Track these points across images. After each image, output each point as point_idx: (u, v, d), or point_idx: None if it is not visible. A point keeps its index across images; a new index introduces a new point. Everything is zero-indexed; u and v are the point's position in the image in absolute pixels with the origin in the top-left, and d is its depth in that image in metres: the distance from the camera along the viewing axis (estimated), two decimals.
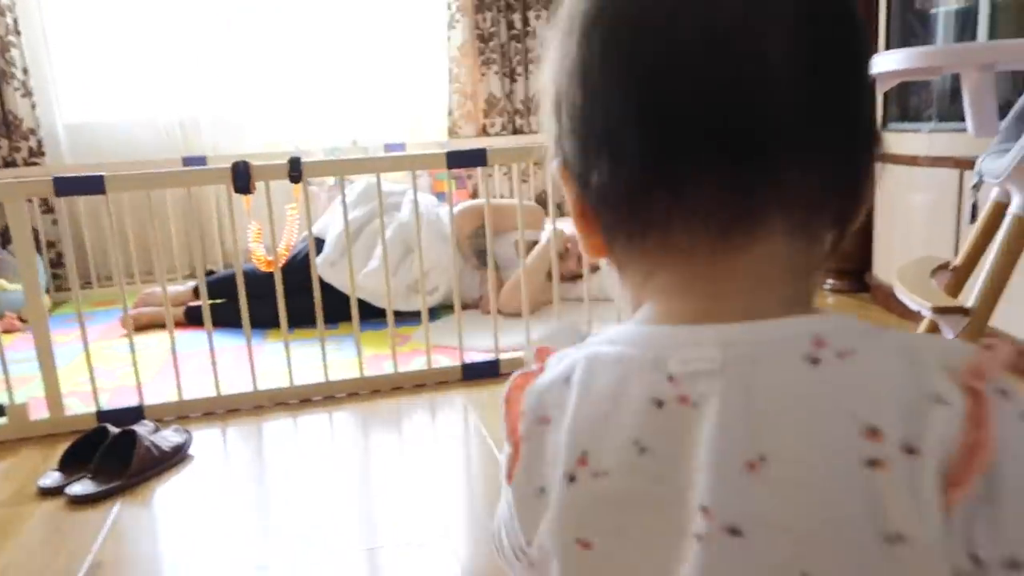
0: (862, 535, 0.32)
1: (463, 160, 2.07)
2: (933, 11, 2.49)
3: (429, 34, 3.86)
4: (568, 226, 3.22)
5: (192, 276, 3.65)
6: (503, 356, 2.20)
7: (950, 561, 0.32)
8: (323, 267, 2.61)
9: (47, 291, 3.19)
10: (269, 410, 2.02)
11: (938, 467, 0.32)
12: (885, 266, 2.70)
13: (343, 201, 2.06)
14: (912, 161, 2.47)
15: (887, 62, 1.25)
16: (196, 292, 2.93)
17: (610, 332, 0.40)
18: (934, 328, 1.29)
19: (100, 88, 3.67)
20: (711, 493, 0.34)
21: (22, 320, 2.87)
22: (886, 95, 2.66)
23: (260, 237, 2.25)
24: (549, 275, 2.69)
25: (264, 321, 2.34)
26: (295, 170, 1.96)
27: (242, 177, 1.92)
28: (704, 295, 0.38)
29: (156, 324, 2.72)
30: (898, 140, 2.57)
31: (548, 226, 3.05)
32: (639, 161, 0.37)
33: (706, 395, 0.35)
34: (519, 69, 3.87)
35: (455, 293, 2.20)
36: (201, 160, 3.45)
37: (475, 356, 2.24)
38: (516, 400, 0.40)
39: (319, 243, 2.73)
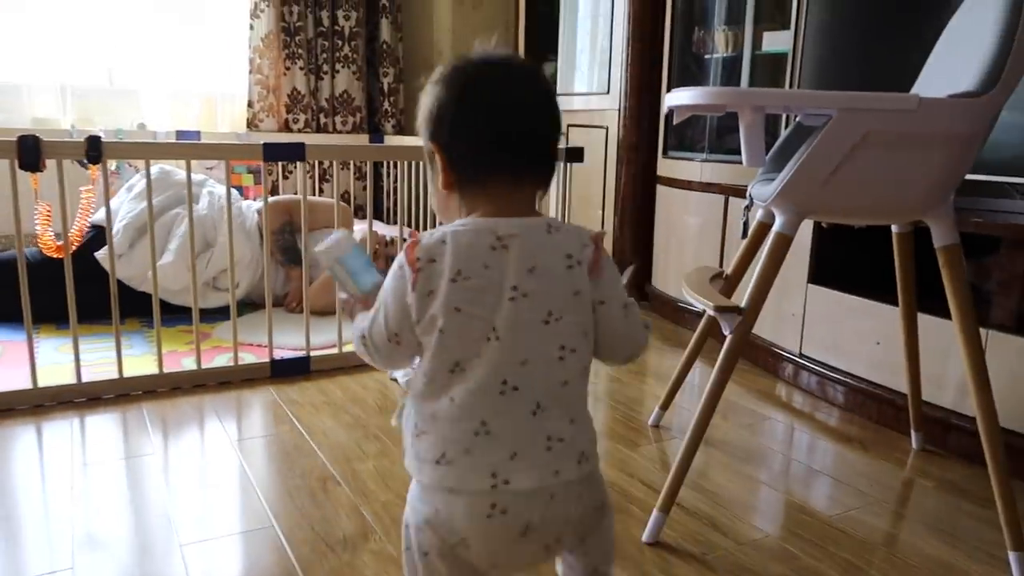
0: (567, 292, 0.80)
1: (281, 153, 2.04)
2: (707, 56, 2.86)
3: (230, 21, 3.70)
4: (381, 228, 3.25)
5: None
6: (314, 354, 2.19)
7: (590, 302, 0.81)
8: (108, 260, 2.43)
9: None
10: (52, 409, 1.85)
11: (588, 268, 0.80)
12: (663, 278, 3.03)
13: (148, 187, 1.94)
14: (687, 185, 2.81)
15: (683, 97, 1.45)
16: None
17: (458, 222, 0.80)
18: (714, 320, 1.51)
19: None
20: (516, 280, 0.78)
21: None
22: (666, 128, 3.00)
23: (49, 220, 2.04)
24: None
25: (35, 313, 2.12)
26: (94, 149, 1.82)
27: (31, 152, 1.74)
28: (505, 208, 0.81)
29: None
30: (675, 166, 2.91)
31: (358, 226, 3.07)
32: (481, 151, 0.81)
33: (511, 243, 0.78)
34: (325, 67, 3.82)
35: (267, 290, 2.15)
36: None
37: (280, 354, 2.20)
38: (412, 251, 0.79)
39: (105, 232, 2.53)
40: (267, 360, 2.13)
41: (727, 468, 1.66)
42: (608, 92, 3.22)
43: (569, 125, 3.47)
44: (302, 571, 1.22)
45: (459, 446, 0.78)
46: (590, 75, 3.39)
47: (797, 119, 1.65)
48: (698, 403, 1.38)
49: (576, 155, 2.54)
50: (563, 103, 3.48)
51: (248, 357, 2.19)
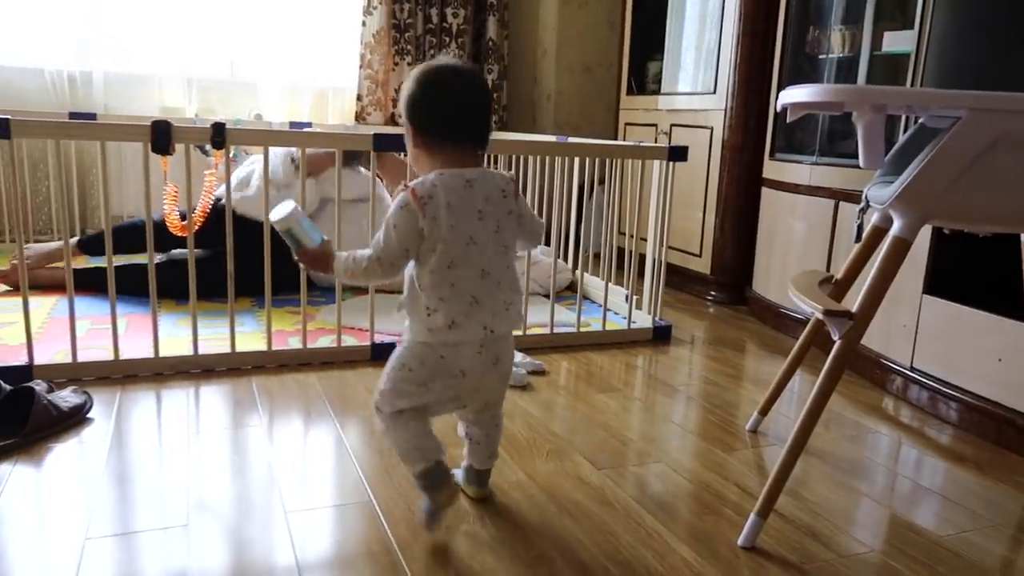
0: (505, 212, 1.27)
1: (391, 144, 2.10)
2: (822, 57, 2.76)
3: (344, 18, 3.83)
4: None
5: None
6: None
7: (516, 217, 1.29)
8: (240, 201, 2.67)
9: None
10: (170, 378, 1.97)
11: (512, 194, 1.28)
12: (763, 282, 2.95)
13: (264, 172, 2.03)
14: (794, 188, 2.72)
15: (799, 94, 1.41)
16: (83, 248, 2.78)
17: (435, 173, 1.23)
18: (819, 327, 1.46)
19: None
20: (480, 206, 1.24)
21: None
22: (775, 130, 2.92)
23: (176, 201, 2.18)
24: None
25: (161, 288, 2.25)
26: (219, 135, 1.92)
27: (163, 137, 1.86)
28: (464, 163, 1.25)
29: (41, 285, 2.56)
30: (782, 168, 2.82)
31: None
32: (441, 129, 1.25)
33: (475, 183, 1.24)
34: None
35: None
36: (91, 117, 3.27)
37: (380, 338, 2.27)
38: (415, 193, 1.20)
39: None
40: (368, 344, 2.20)
41: (829, 479, 1.60)
42: (714, 92, 3.16)
43: (672, 125, 3.42)
44: (398, 547, 1.26)
45: (462, 314, 1.22)
46: (695, 74, 3.34)
47: (920, 121, 1.57)
48: (798, 411, 1.34)
49: (679, 154, 2.50)
50: (666, 102, 3.44)
51: (349, 340, 2.26)
